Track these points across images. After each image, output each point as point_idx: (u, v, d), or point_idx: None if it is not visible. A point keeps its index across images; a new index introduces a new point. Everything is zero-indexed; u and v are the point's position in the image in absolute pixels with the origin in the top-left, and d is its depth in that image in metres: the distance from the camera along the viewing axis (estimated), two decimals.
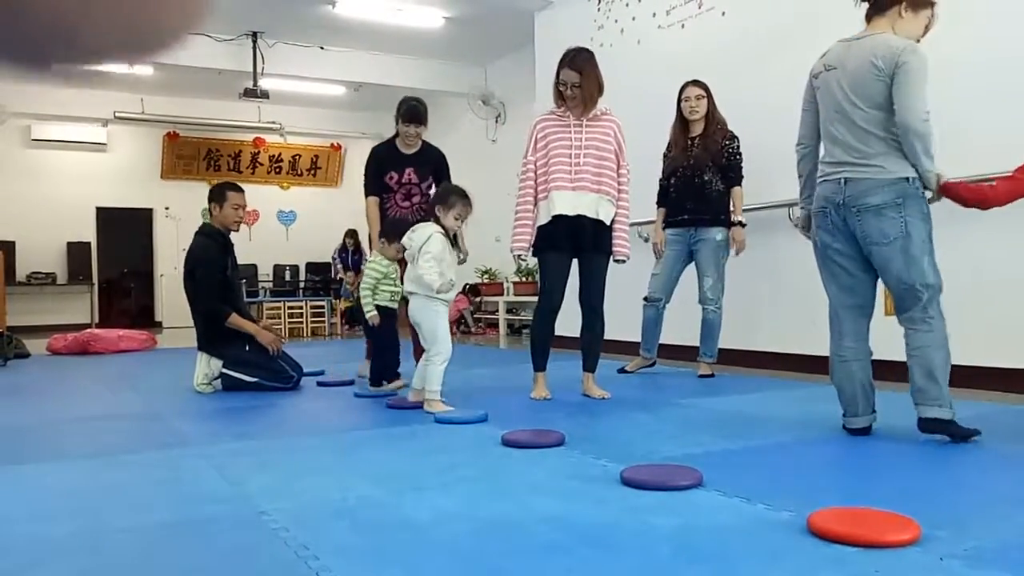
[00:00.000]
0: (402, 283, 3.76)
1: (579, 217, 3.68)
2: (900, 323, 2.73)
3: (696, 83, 4.56)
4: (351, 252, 10.01)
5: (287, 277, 12.65)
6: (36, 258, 11.10)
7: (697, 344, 4.66)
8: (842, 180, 2.71)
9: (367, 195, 4.44)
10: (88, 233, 11.61)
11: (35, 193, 11.26)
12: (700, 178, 4.49)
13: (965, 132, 3.73)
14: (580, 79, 3.66)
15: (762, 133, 4.63)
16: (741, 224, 4.49)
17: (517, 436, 2.74)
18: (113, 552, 1.72)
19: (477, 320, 9.57)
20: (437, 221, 3.54)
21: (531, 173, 3.78)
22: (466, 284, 9.25)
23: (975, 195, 2.71)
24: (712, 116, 4.53)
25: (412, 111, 4.37)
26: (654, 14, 6.08)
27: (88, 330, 8.03)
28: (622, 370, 4.80)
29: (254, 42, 8.79)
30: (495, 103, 9.79)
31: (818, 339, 3.28)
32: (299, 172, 13.08)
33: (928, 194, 2.69)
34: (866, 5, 2.79)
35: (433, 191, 4.21)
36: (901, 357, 2.74)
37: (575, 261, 3.81)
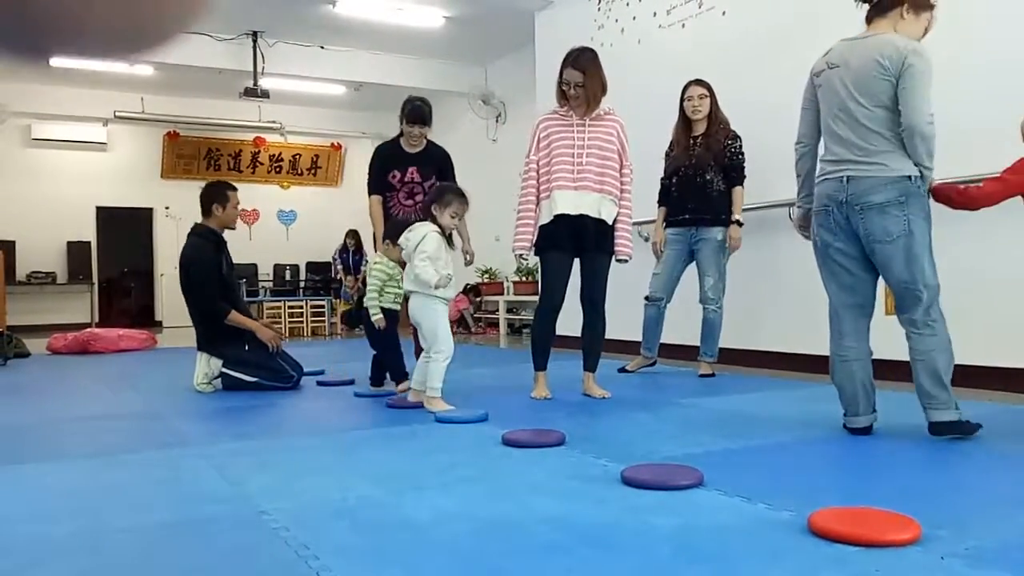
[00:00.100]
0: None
1: (581, 217, 3.68)
2: (901, 325, 2.72)
3: (699, 82, 4.56)
4: (352, 252, 10.01)
5: (287, 277, 12.66)
6: (36, 257, 11.10)
7: (698, 344, 4.66)
8: (844, 178, 2.70)
9: (370, 193, 4.44)
10: (88, 232, 11.61)
11: (35, 192, 11.27)
12: (702, 177, 4.49)
13: (964, 133, 3.73)
14: (584, 79, 3.66)
15: (762, 133, 4.63)
16: (738, 223, 4.49)
17: (517, 436, 2.74)
18: (113, 552, 1.72)
19: (477, 320, 9.57)
20: (433, 220, 3.53)
21: (533, 172, 3.78)
22: (466, 284, 9.25)
23: (962, 196, 2.72)
24: (715, 116, 4.53)
25: (416, 112, 4.36)
26: (654, 14, 6.08)
27: (88, 329, 8.03)
28: (623, 369, 4.80)
29: (254, 41, 8.79)
30: (495, 103, 9.79)
31: (818, 339, 3.28)
32: (299, 172, 13.08)
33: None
34: (867, 6, 2.79)
35: None
36: (901, 357, 2.75)
37: (577, 261, 3.81)
